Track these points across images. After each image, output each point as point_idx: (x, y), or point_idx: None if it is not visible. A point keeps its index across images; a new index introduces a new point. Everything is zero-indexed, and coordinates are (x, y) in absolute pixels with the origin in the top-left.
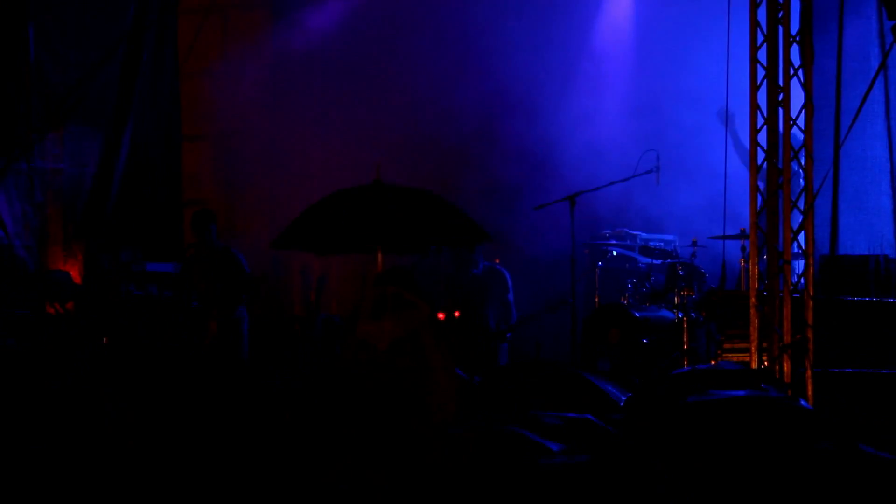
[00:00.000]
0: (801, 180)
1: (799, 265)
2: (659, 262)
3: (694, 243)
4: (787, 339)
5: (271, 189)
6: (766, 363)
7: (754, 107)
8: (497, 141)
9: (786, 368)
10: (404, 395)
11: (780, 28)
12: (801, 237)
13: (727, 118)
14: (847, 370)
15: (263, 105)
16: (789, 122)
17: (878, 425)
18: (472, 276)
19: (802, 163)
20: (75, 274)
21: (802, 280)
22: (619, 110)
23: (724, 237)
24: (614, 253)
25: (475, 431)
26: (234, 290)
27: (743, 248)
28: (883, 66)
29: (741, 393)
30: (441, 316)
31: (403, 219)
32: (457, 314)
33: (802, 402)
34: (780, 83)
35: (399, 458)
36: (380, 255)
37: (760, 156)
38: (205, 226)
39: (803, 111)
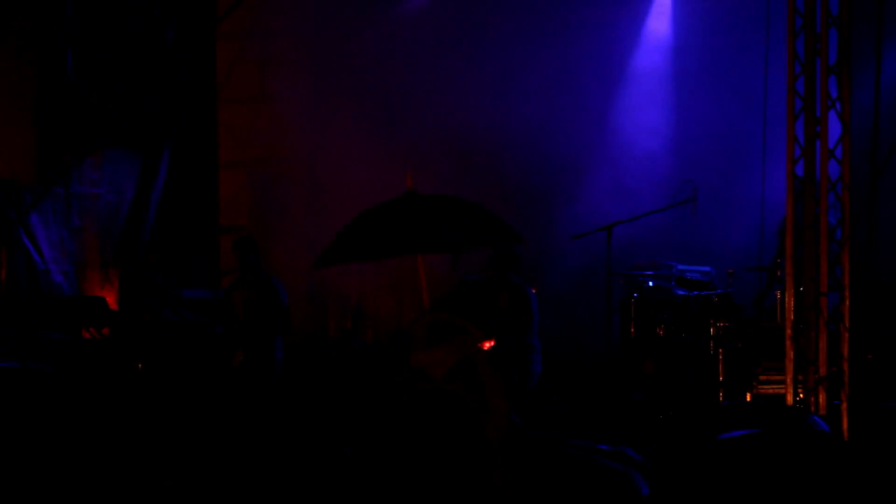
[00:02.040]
0: (838, 212)
1: (835, 297)
2: (695, 293)
3: (730, 275)
4: (822, 371)
5: (308, 215)
6: (801, 395)
7: (791, 138)
8: (534, 165)
9: (821, 401)
10: (464, 422)
11: (818, 59)
12: (838, 269)
13: (764, 147)
14: (888, 404)
15: (302, 131)
16: (826, 153)
17: None
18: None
19: (839, 194)
20: (111, 300)
21: (839, 312)
22: (656, 141)
23: (761, 269)
24: (650, 284)
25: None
26: (267, 322)
27: (779, 280)
28: None
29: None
30: (484, 345)
31: (439, 220)
32: (487, 345)
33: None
34: (818, 114)
35: (458, 486)
36: (421, 264)
37: (797, 187)
38: (245, 253)
39: (840, 143)
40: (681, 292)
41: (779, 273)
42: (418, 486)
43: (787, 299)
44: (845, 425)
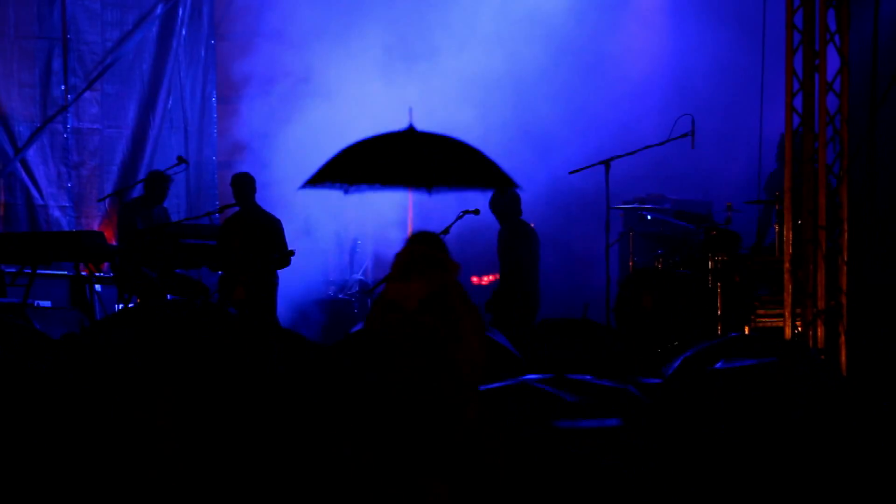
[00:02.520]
0: (837, 145)
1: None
2: (693, 226)
3: (729, 208)
4: (821, 304)
5: (308, 142)
6: (799, 328)
7: (790, 71)
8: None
9: (819, 334)
10: (433, 353)
11: None
12: (837, 202)
13: (762, 84)
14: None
15: (299, 66)
16: (825, 87)
17: None
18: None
19: (838, 128)
20: (109, 235)
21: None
22: (654, 72)
23: (759, 202)
24: (649, 217)
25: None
26: (268, 261)
27: (778, 213)
28: None
29: (769, 360)
30: (482, 280)
31: (434, 158)
32: (486, 279)
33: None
34: (817, 48)
35: (429, 418)
36: (410, 200)
37: (796, 121)
38: (244, 190)
39: (839, 76)
40: (680, 225)
41: (777, 206)
42: (390, 419)
43: (785, 232)
44: (843, 358)
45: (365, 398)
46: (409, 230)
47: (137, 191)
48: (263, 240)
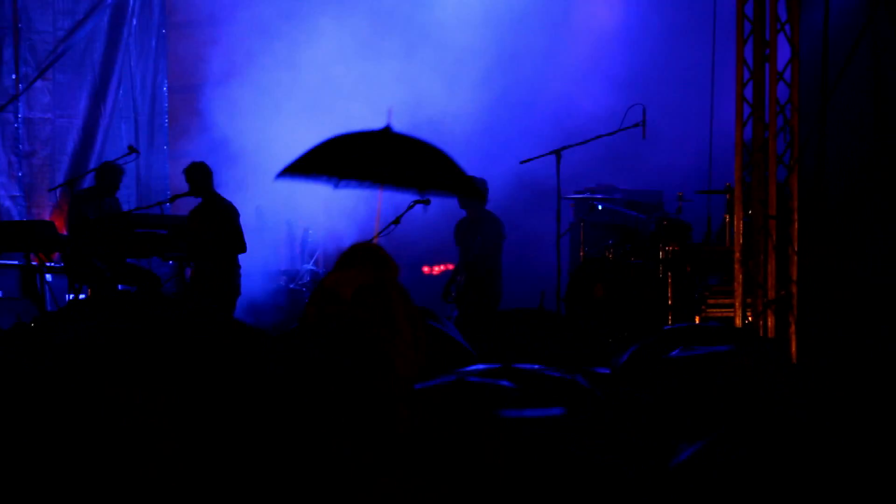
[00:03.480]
0: (788, 135)
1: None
2: (644, 216)
3: (679, 198)
4: (771, 294)
5: (260, 138)
6: (749, 319)
7: (740, 61)
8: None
9: (770, 324)
10: (367, 347)
11: None
12: (787, 192)
13: (713, 74)
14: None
15: (251, 54)
16: (776, 76)
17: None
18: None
19: (788, 117)
20: (60, 224)
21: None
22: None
23: (710, 192)
24: (600, 207)
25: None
26: (229, 247)
27: (728, 204)
28: (870, 22)
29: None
30: (433, 270)
31: (408, 160)
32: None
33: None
34: (767, 37)
35: (363, 414)
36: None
37: (746, 110)
38: (200, 179)
39: (790, 66)
40: (630, 214)
41: (728, 197)
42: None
43: (735, 222)
44: (794, 348)
45: (305, 390)
46: (377, 222)
47: (88, 181)
48: (225, 227)
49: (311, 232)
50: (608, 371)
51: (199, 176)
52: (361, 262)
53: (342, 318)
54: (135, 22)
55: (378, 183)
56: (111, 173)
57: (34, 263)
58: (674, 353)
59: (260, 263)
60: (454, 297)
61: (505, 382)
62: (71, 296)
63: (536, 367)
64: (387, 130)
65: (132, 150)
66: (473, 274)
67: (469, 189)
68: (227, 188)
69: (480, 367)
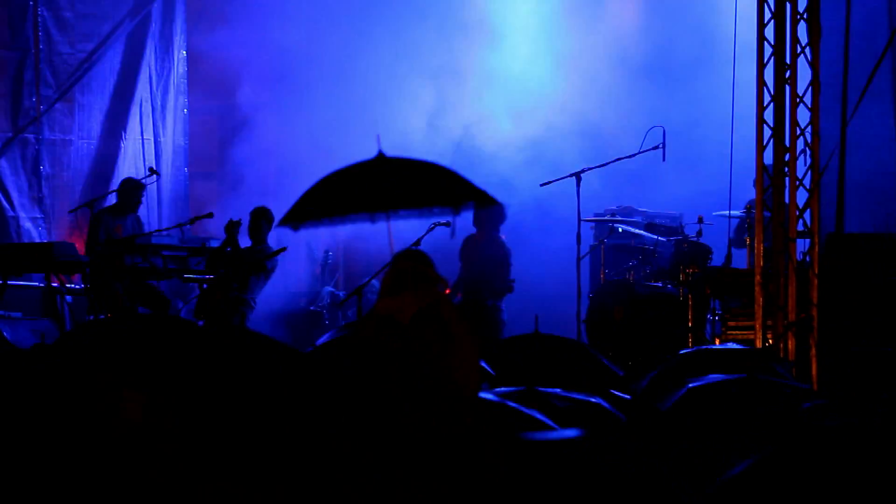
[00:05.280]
0: (808, 158)
1: (804, 244)
2: (665, 238)
3: (700, 221)
4: (791, 317)
5: (281, 164)
6: (770, 341)
7: (761, 84)
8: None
9: (790, 346)
10: (431, 367)
11: (788, 5)
12: (807, 215)
13: (733, 96)
14: (853, 349)
15: (272, 77)
16: (796, 99)
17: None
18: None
19: (809, 140)
20: (80, 246)
21: (808, 258)
22: (627, 88)
23: (730, 215)
24: (620, 230)
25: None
26: (246, 270)
27: (749, 227)
28: (890, 44)
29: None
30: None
31: (412, 181)
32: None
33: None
34: (788, 60)
35: (430, 433)
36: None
37: (767, 133)
38: (258, 225)
39: (810, 88)
40: (651, 237)
41: (748, 220)
42: (391, 436)
43: (756, 245)
44: (814, 371)
45: (358, 405)
46: (391, 244)
47: (109, 201)
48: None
49: (331, 253)
50: (629, 397)
51: (253, 223)
52: (414, 285)
53: (401, 340)
54: (156, 44)
55: (384, 211)
56: (132, 190)
57: (55, 284)
58: (690, 381)
59: (280, 285)
60: None
61: (533, 411)
62: (91, 317)
63: (557, 391)
64: (380, 157)
65: (153, 171)
66: (475, 294)
67: (484, 198)
68: (245, 209)
69: (503, 389)
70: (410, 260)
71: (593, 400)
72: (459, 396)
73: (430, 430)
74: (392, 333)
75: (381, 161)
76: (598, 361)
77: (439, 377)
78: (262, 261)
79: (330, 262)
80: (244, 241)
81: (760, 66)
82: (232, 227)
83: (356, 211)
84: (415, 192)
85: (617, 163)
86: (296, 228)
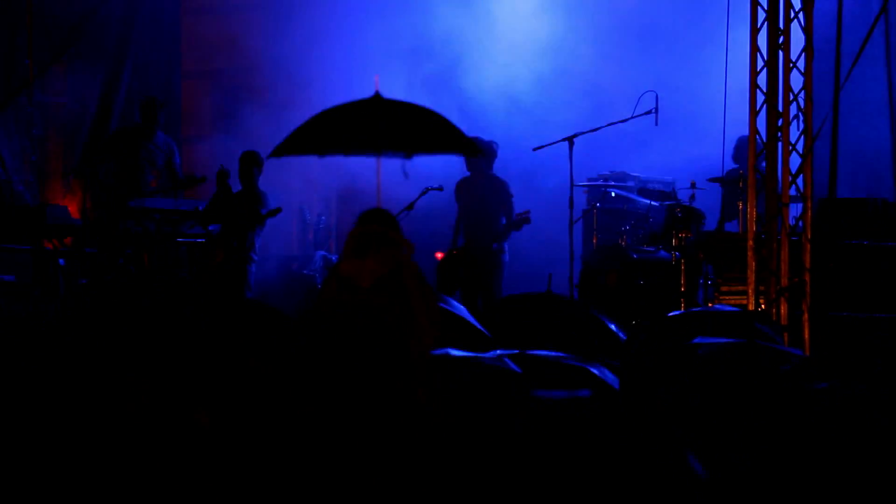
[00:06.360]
0: (801, 123)
1: (797, 208)
2: (657, 203)
3: (693, 185)
4: (784, 282)
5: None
6: (763, 306)
7: (754, 49)
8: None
9: (783, 311)
10: (383, 334)
11: None
12: (800, 180)
13: (726, 61)
14: (844, 314)
15: (263, 40)
16: (789, 64)
17: (875, 368)
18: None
19: (802, 106)
20: (74, 209)
21: (801, 223)
22: (619, 52)
23: (723, 180)
24: (613, 194)
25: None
26: (247, 224)
27: (742, 191)
28: (884, 10)
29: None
30: (439, 255)
31: (405, 122)
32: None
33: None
34: (781, 26)
35: (378, 399)
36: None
37: (760, 98)
38: (248, 169)
39: (803, 54)
40: (643, 202)
41: (740, 185)
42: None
43: (748, 210)
44: (806, 336)
45: (318, 375)
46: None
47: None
48: (247, 211)
49: (323, 218)
50: (618, 362)
51: (241, 166)
52: (377, 249)
53: (358, 306)
54: (149, 6)
55: (374, 151)
56: (152, 106)
57: (47, 248)
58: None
59: (272, 248)
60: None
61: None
62: (84, 280)
63: (551, 353)
64: (377, 97)
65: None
66: (476, 241)
67: (469, 148)
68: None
69: (500, 351)
70: (376, 222)
71: (589, 367)
72: (413, 368)
73: (380, 394)
74: (352, 297)
75: (378, 101)
76: (602, 325)
77: (393, 344)
78: (262, 218)
79: (322, 226)
80: (235, 187)
81: (754, 32)
82: (223, 176)
83: (346, 150)
84: (409, 136)
85: (610, 127)
86: (280, 156)
